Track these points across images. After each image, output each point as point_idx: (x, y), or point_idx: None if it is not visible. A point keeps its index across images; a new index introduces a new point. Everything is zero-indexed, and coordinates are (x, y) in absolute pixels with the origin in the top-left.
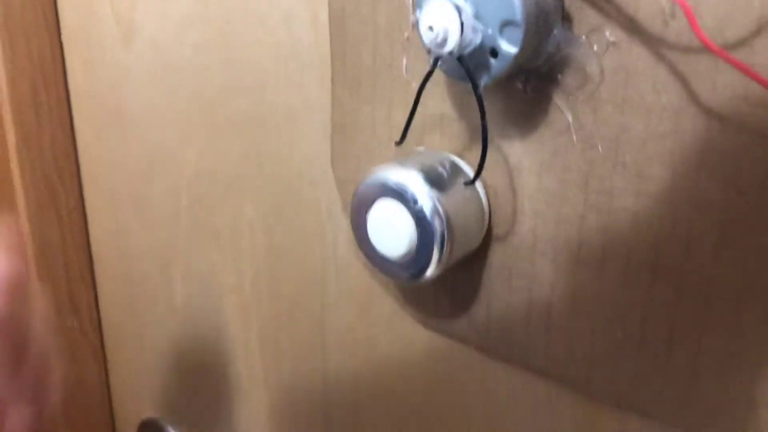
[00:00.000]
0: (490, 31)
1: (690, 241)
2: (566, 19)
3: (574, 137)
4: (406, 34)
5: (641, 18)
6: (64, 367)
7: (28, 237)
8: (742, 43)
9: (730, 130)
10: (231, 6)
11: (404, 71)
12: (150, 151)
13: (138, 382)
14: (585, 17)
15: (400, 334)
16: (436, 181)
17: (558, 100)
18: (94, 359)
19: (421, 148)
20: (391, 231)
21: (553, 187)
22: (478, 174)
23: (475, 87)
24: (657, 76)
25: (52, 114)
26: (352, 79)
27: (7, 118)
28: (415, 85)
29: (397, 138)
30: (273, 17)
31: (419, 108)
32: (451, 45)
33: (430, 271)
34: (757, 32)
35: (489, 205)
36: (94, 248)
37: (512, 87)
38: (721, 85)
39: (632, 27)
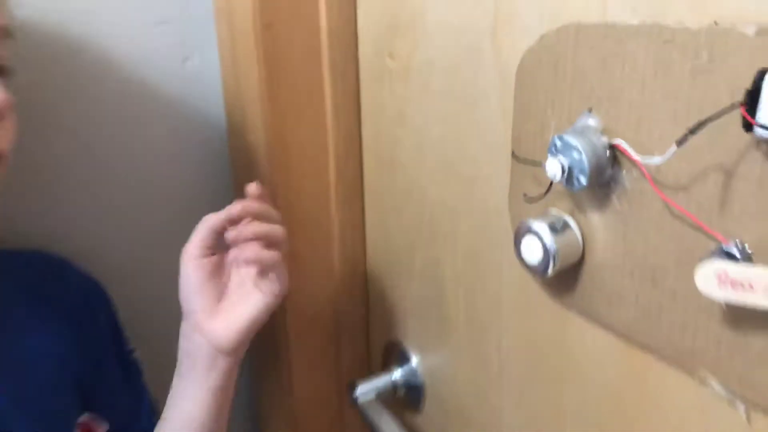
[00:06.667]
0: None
1: None
2: (618, 162)
3: (625, 209)
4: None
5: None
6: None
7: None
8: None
9: None
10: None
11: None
12: (408, 184)
13: (388, 312)
14: (625, 161)
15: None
16: (554, 228)
17: (614, 197)
18: (359, 288)
19: (552, 209)
20: (532, 251)
21: (617, 238)
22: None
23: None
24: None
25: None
26: (517, 143)
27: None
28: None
29: (540, 201)
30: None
31: (553, 187)
32: (560, 179)
33: (549, 272)
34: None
35: (583, 241)
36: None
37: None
38: None
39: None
